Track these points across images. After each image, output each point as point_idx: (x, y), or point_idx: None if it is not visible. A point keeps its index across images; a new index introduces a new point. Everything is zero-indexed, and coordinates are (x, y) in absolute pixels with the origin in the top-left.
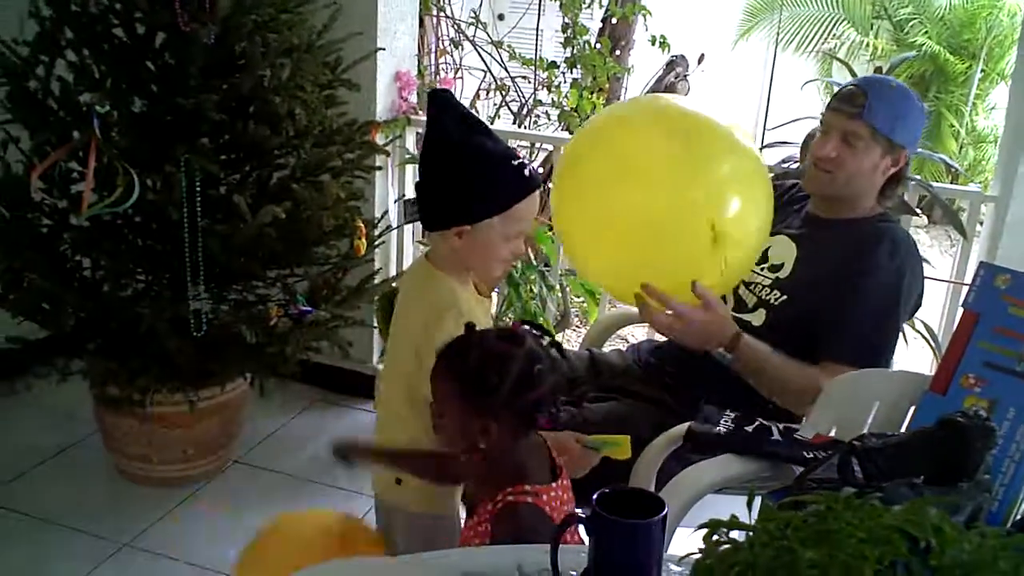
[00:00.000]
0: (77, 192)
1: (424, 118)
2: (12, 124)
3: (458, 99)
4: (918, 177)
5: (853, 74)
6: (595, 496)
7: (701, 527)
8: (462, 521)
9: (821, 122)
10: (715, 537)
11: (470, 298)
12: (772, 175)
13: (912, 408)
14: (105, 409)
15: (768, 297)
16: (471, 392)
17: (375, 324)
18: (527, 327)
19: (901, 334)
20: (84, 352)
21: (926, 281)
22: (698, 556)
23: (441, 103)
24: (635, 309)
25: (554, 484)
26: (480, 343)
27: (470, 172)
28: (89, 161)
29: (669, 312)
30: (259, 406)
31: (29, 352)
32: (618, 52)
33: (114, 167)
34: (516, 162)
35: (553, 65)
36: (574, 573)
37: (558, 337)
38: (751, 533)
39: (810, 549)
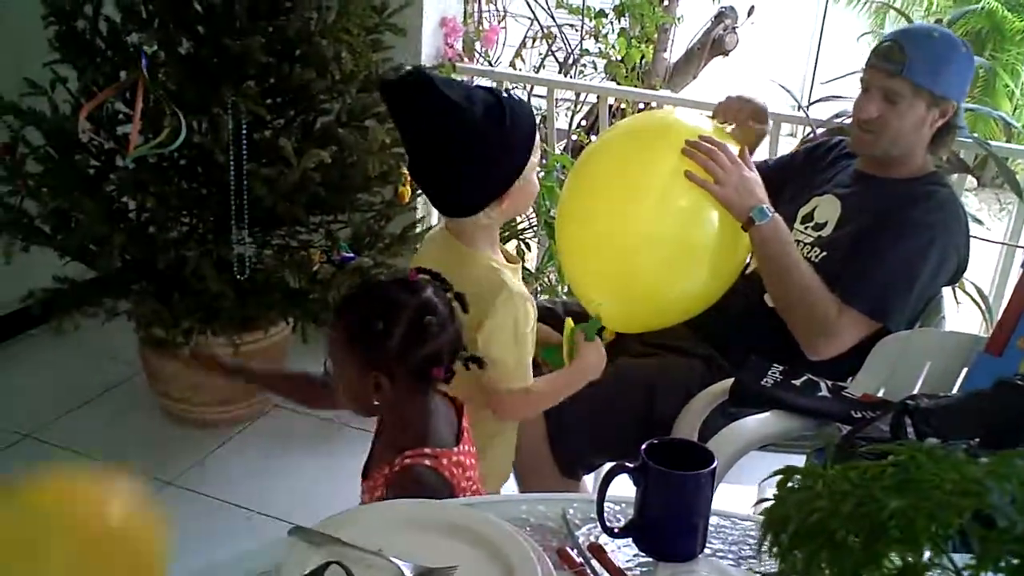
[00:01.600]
0: (124, 134)
1: (469, 66)
2: (61, 64)
3: (428, 70)
4: (975, 135)
5: (910, 23)
6: (643, 447)
7: (774, 474)
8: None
9: (861, 80)
10: (789, 484)
11: (506, 269)
12: (819, 131)
13: (964, 370)
14: (150, 350)
15: (809, 255)
16: (360, 343)
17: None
18: (427, 276)
19: (953, 295)
20: (130, 293)
21: (978, 243)
22: (770, 503)
23: (420, 86)
24: None
25: (456, 448)
26: (371, 291)
27: (502, 128)
28: (136, 102)
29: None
30: (301, 352)
31: (76, 292)
32: (666, 2)
33: (161, 109)
34: (505, 96)
35: (601, 14)
36: (622, 520)
37: None
38: (827, 482)
39: (894, 498)
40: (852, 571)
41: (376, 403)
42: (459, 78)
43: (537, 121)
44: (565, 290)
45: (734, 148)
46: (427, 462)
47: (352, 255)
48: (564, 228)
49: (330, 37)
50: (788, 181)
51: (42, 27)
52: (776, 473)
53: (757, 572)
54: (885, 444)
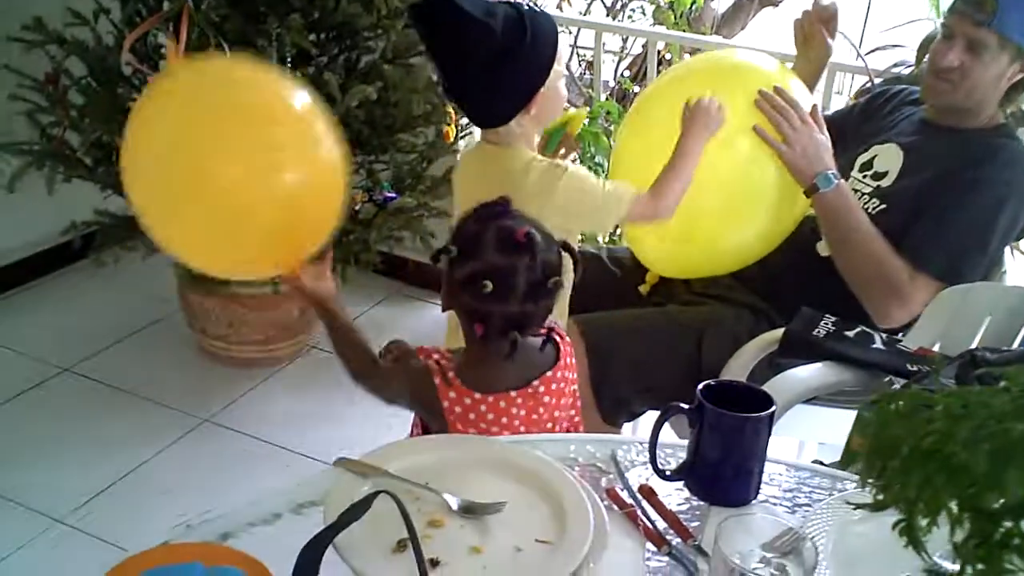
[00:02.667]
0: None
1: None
2: None
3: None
4: None
5: None
6: (700, 387)
7: (875, 400)
8: None
9: (943, 26)
10: (893, 407)
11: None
12: (879, 80)
13: None
14: (189, 287)
15: (867, 206)
16: (450, 267)
17: None
18: (538, 243)
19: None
20: None
21: None
22: (876, 427)
23: (445, 3)
24: None
25: (479, 395)
26: (482, 220)
27: (524, 39)
28: (181, 33)
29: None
30: (340, 294)
31: (116, 227)
32: None
33: (205, 41)
34: (527, 8)
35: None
36: (671, 464)
37: None
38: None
39: (1016, 422)
40: (973, 497)
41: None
42: None
43: (559, 30)
44: (604, 240)
45: (807, 103)
46: (437, 380)
47: (395, 195)
48: (620, 166)
49: None
50: (845, 133)
51: None
52: (879, 399)
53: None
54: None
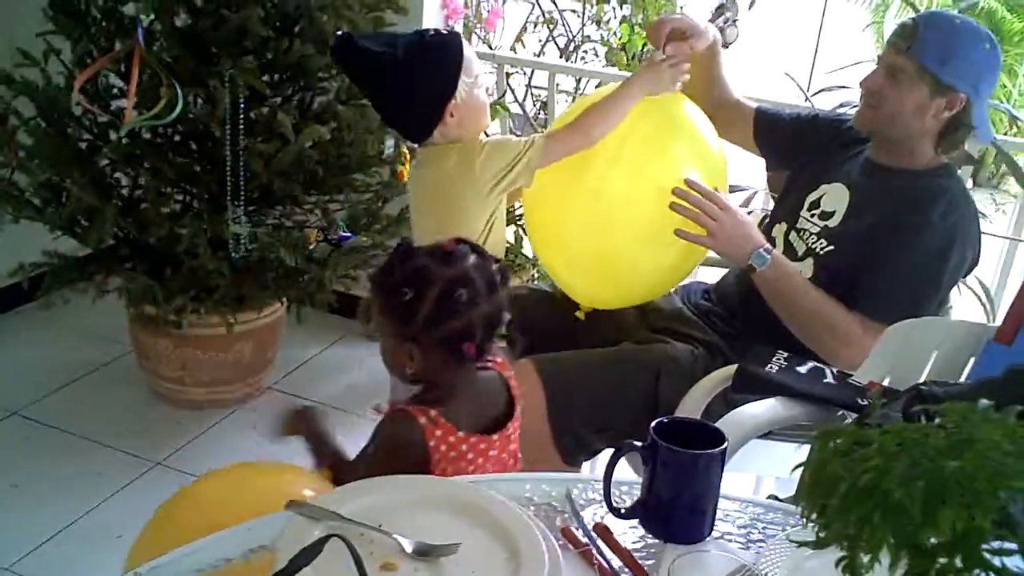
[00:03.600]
0: (118, 108)
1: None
2: (54, 35)
3: (352, 33)
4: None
5: (916, 11)
6: (652, 425)
7: (817, 435)
8: None
9: (877, 56)
10: (831, 445)
11: None
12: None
13: (972, 359)
14: (140, 328)
15: (815, 246)
16: (391, 311)
17: None
18: (467, 247)
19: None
20: (121, 269)
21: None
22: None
23: (347, 45)
24: None
25: (470, 435)
26: (406, 258)
27: (422, 62)
28: (132, 73)
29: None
30: (294, 334)
31: (66, 268)
32: None
33: (157, 82)
34: (430, 32)
35: (603, 0)
36: (626, 501)
37: None
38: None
39: (949, 459)
40: (909, 534)
41: (409, 372)
42: None
43: (465, 43)
44: None
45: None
46: (421, 420)
47: (349, 234)
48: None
49: (331, 12)
50: (806, 149)
51: None
52: (818, 436)
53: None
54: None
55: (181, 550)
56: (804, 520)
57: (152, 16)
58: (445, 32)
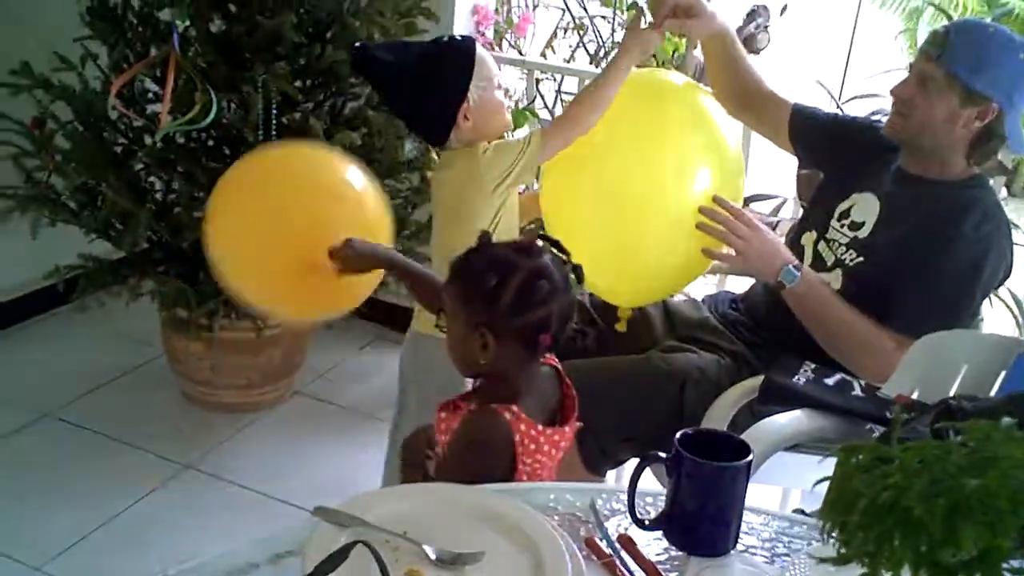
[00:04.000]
0: (153, 112)
1: (499, 54)
2: (92, 40)
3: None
4: None
5: (949, 19)
6: (677, 436)
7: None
8: None
9: (909, 65)
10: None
11: None
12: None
13: (1003, 373)
14: (172, 331)
15: (844, 256)
16: (472, 299)
17: None
18: (545, 244)
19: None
20: (154, 273)
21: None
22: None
23: (366, 51)
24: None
25: (543, 428)
26: (488, 248)
27: (432, 70)
28: (167, 79)
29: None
30: (323, 338)
31: (100, 271)
32: None
33: (191, 87)
34: (441, 39)
35: (634, 6)
36: (651, 512)
37: None
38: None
39: (971, 477)
40: (929, 551)
41: (481, 362)
42: None
43: (479, 47)
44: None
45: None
46: (507, 416)
47: None
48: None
49: (363, 19)
50: (841, 152)
51: (74, 1)
52: (840, 452)
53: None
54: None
55: (209, 554)
56: (825, 536)
57: (188, 22)
58: (459, 38)
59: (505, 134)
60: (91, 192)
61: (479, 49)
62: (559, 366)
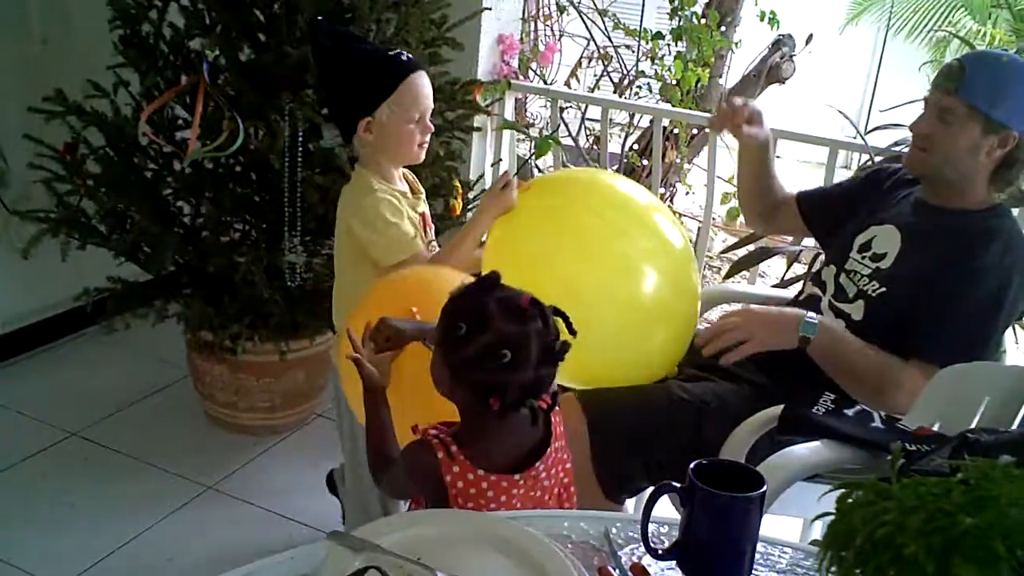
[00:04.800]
0: (183, 139)
1: (524, 83)
2: (124, 68)
3: (337, 26)
4: None
5: (973, 49)
6: (692, 467)
7: (836, 487)
8: None
9: (923, 99)
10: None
11: (393, 189)
12: (877, 159)
13: None
14: (197, 354)
15: (866, 288)
16: (444, 333)
17: None
18: (539, 310)
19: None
20: (180, 296)
21: None
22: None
23: (317, 29)
24: (734, 286)
25: (482, 472)
26: (482, 293)
27: (354, 72)
28: (197, 106)
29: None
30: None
31: (128, 293)
32: (723, 28)
33: (220, 115)
34: (392, 52)
35: (658, 36)
36: (665, 542)
37: None
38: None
39: (968, 515)
40: None
41: (441, 390)
42: (514, 95)
43: (418, 79)
44: None
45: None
46: (440, 454)
47: None
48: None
49: (389, 48)
50: (854, 206)
51: (108, 30)
52: (838, 486)
53: None
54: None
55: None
56: (823, 570)
57: (217, 51)
58: (406, 59)
59: (412, 182)
60: (120, 216)
61: (415, 78)
62: (555, 416)
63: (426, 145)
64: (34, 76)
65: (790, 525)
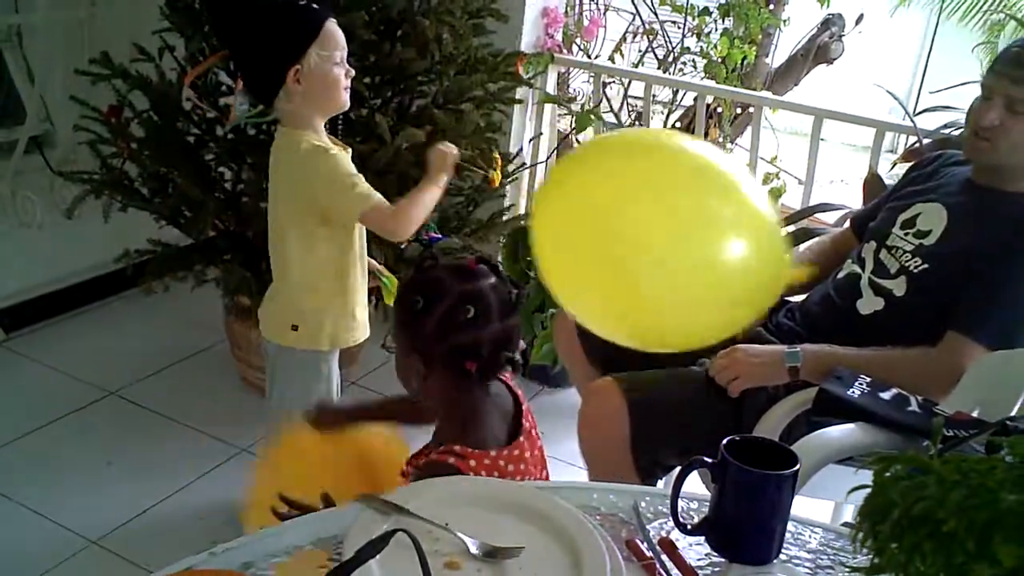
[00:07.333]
0: (225, 104)
1: (567, 57)
2: (169, 32)
3: None
4: None
5: None
6: (724, 443)
7: (873, 462)
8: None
9: (983, 87)
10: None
11: (320, 144)
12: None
13: None
14: (235, 318)
15: (909, 264)
16: (403, 321)
17: (500, 259)
18: (487, 267)
19: None
20: (219, 260)
21: None
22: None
23: None
24: None
25: (501, 451)
26: (425, 271)
27: (274, 21)
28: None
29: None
30: (383, 328)
31: (168, 256)
32: (772, 5)
33: None
34: (302, 1)
35: (705, 12)
36: (693, 517)
37: None
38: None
39: (1010, 493)
40: (959, 566)
41: (415, 387)
42: (557, 69)
43: (331, 21)
44: None
45: None
46: (451, 459)
47: (440, 235)
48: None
49: (432, 18)
50: (897, 190)
51: None
52: (876, 460)
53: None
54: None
55: (252, 536)
56: (858, 544)
57: None
58: (315, 7)
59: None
60: (163, 179)
61: (331, 23)
62: (509, 381)
63: (348, 90)
64: (81, 39)
65: (821, 508)
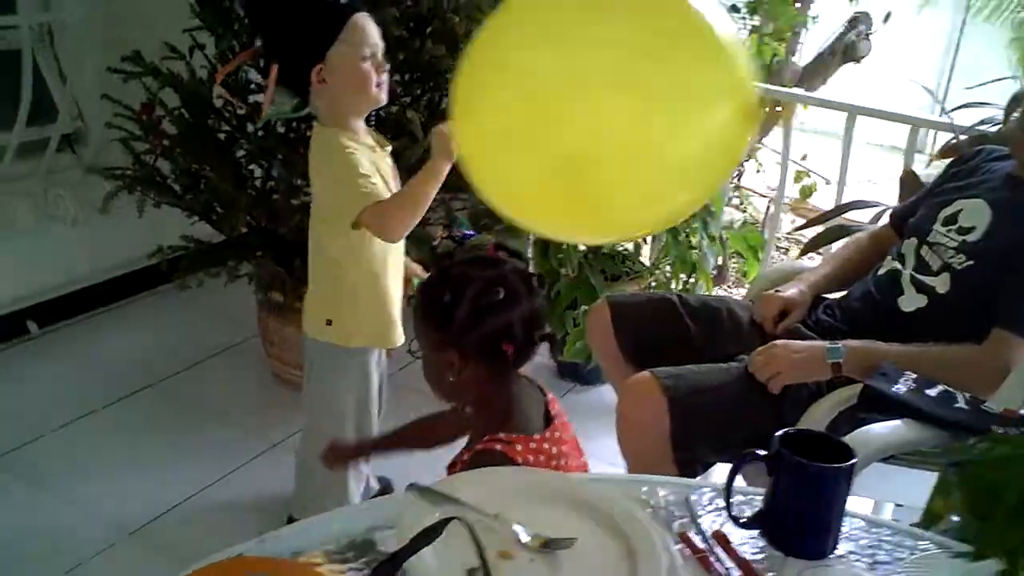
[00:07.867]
0: (256, 102)
1: None
2: (200, 31)
3: None
4: None
5: None
6: (778, 435)
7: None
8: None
9: None
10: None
11: (360, 144)
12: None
13: None
14: (267, 314)
15: (952, 260)
16: (431, 319)
17: (531, 256)
18: (505, 252)
19: None
20: (252, 256)
21: None
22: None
23: None
24: (801, 263)
25: (542, 434)
26: (444, 268)
27: (298, 18)
28: (271, 70)
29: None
30: (412, 327)
31: (201, 252)
32: (799, 4)
33: None
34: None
35: (733, 9)
36: (744, 511)
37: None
38: None
39: None
40: None
41: (451, 380)
42: None
43: (363, 17)
44: (679, 287)
45: None
46: (498, 447)
47: (472, 232)
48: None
49: (462, 15)
50: (938, 186)
51: None
52: (976, 442)
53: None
54: None
55: (302, 524)
56: (962, 530)
57: None
58: (345, 2)
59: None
60: (195, 176)
61: (359, 18)
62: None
63: (385, 85)
64: (112, 37)
65: (860, 506)
